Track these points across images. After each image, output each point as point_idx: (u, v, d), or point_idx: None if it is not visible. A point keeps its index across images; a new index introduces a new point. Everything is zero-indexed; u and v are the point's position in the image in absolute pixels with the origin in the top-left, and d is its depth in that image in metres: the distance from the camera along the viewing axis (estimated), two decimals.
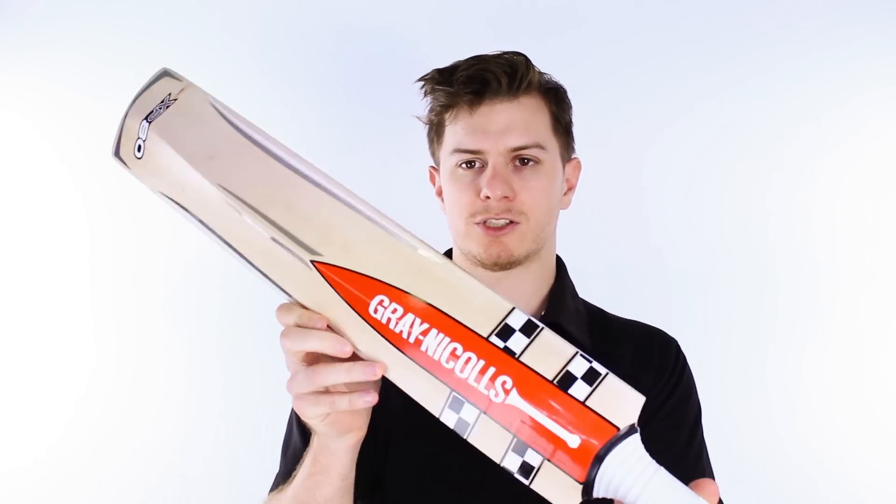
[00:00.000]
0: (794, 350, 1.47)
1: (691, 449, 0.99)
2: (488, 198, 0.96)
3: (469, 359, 0.64)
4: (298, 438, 0.99)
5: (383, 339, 0.67)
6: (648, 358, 1.01)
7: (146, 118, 0.76)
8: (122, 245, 1.55)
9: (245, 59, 1.56)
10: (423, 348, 0.65)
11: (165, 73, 0.80)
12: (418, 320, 0.66)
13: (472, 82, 0.97)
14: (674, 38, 1.49)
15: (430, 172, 1.10)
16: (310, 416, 0.73)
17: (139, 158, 0.76)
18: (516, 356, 0.64)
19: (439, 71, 1.01)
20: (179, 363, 1.53)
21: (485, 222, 0.98)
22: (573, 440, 0.61)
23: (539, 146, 0.99)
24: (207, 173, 0.73)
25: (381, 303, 0.67)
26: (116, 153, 0.79)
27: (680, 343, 1.09)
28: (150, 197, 1.51)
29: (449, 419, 0.65)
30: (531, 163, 0.99)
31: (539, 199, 0.99)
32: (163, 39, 1.55)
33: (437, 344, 0.65)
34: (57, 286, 1.55)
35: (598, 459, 0.61)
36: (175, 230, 1.54)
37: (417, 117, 1.06)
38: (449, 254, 1.09)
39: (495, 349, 0.65)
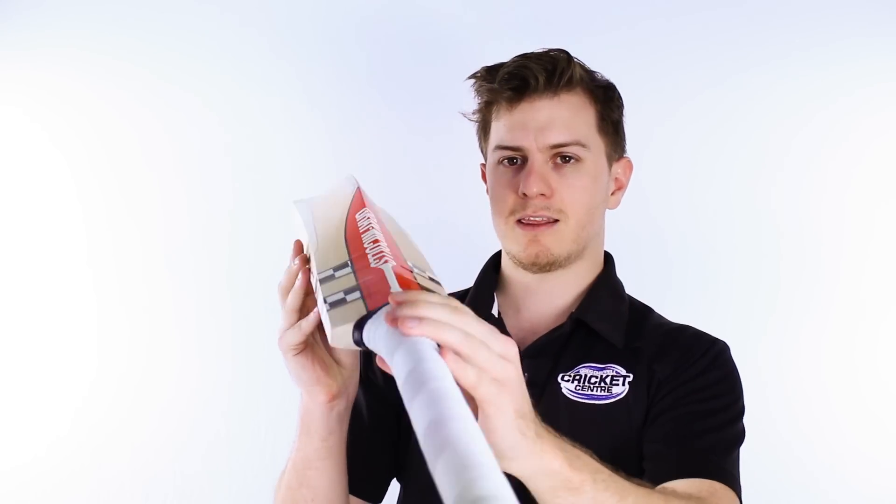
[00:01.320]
0: (789, 337, 1.46)
1: (697, 424, 0.92)
2: (526, 195, 0.96)
3: (381, 246, 0.74)
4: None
5: (344, 238, 0.79)
6: (669, 349, 0.99)
7: None
8: (125, 242, 1.54)
9: (252, 50, 1.56)
10: (364, 238, 0.76)
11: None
12: (379, 225, 0.79)
13: (511, 79, 0.98)
14: (681, 26, 1.49)
15: (482, 170, 1.11)
16: (290, 348, 0.79)
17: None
18: (412, 271, 0.72)
19: (487, 69, 1.02)
20: (182, 363, 1.53)
21: (522, 220, 0.98)
22: (396, 287, 0.65)
23: (580, 144, 0.98)
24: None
25: (367, 214, 0.81)
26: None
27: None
28: (152, 194, 1.55)
29: (323, 275, 0.73)
30: (572, 161, 0.98)
31: (579, 198, 0.98)
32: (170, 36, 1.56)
33: (372, 237, 0.76)
34: (60, 282, 1.54)
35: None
36: (177, 228, 1.55)
37: (463, 114, 1.07)
38: (499, 255, 1.09)
39: (403, 261, 0.73)
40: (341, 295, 0.68)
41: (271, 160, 1.55)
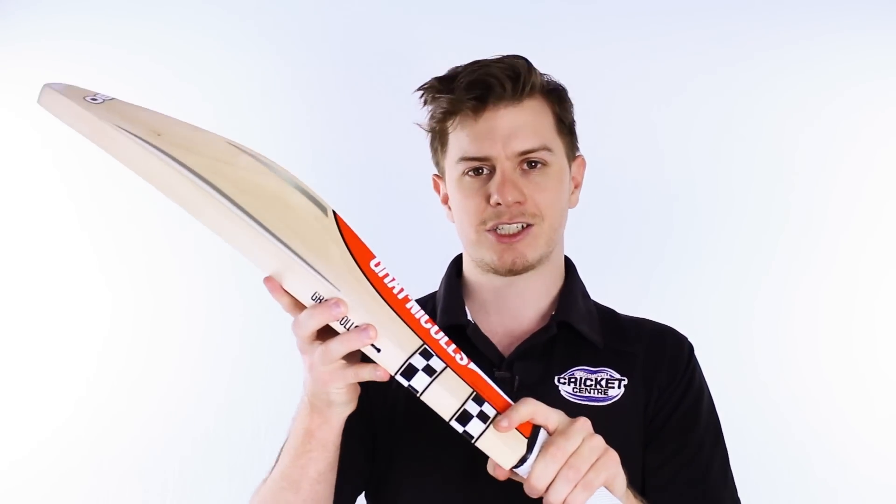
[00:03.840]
0: (785, 297, 1.51)
1: (700, 458, 1.00)
2: (499, 204, 0.96)
3: (440, 330, 0.79)
4: None
5: (375, 291, 0.77)
6: (661, 357, 1.03)
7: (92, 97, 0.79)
8: (124, 237, 1.55)
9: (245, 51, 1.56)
10: (408, 306, 0.78)
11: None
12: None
13: (474, 88, 0.97)
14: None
15: (434, 181, 1.10)
16: (334, 388, 0.81)
17: (98, 102, 0.77)
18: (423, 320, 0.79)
19: (439, 79, 1.01)
20: (182, 359, 1.54)
21: (496, 229, 0.98)
22: (501, 392, 0.78)
23: (546, 148, 0.99)
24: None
25: (379, 263, 0.78)
26: (56, 87, 0.78)
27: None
28: (150, 188, 1.53)
29: (418, 363, 0.76)
30: (539, 165, 0.99)
31: (551, 201, 0.99)
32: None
33: (419, 308, 0.79)
34: (59, 278, 1.54)
35: (536, 427, 0.77)
36: (178, 222, 1.53)
37: (419, 124, 1.05)
38: (459, 260, 1.10)
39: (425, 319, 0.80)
40: (477, 407, 0.76)
41: (273, 156, 1.54)
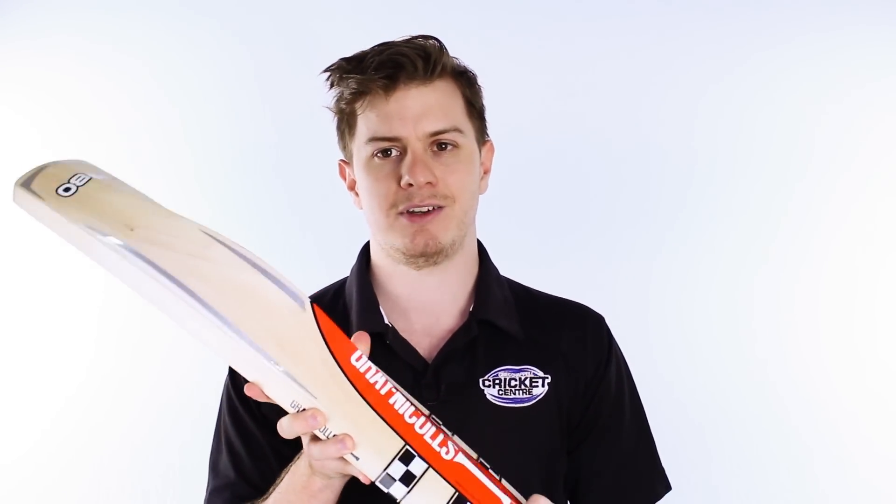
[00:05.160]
0: (786, 277, 1.55)
1: (629, 445, 1.03)
2: (411, 185, 0.94)
3: (428, 420, 0.77)
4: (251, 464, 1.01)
5: (355, 391, 0.75)
6: (583, 346, 1.03)
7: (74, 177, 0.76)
8: None
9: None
10: (391, 401, 0.76)
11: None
12: (391, 378, 0.78)
13: (384, 67, 0.95)
14: None
15: (340, 166, 1.07)
16: (331, 474, 0.81)
17: (69, 194, 0.75)
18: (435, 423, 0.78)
19: (346, 59, 0.98)
20: (181, 356, 1.54)
21: (409, 211, 0.95)
22: (506, 499, 0.76)
23: (457, 129, 0.97)
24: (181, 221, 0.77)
25: (361, 356, 0.77)
26: (26, 185, 0.76)
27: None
28: (146, 186, 1.53)
29: (396, 471, 0.74)
30: (450, 147, 0.97)
31: (463, 183, 0.97)
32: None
33: (403, 400, 0.77)
34: (54, 276, 1.54)
35: None
36: None
37: (328, 108, 1.03)
38: (367, 249, 1.07)
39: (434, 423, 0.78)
40: None
41: (265, 156, 1.55)
